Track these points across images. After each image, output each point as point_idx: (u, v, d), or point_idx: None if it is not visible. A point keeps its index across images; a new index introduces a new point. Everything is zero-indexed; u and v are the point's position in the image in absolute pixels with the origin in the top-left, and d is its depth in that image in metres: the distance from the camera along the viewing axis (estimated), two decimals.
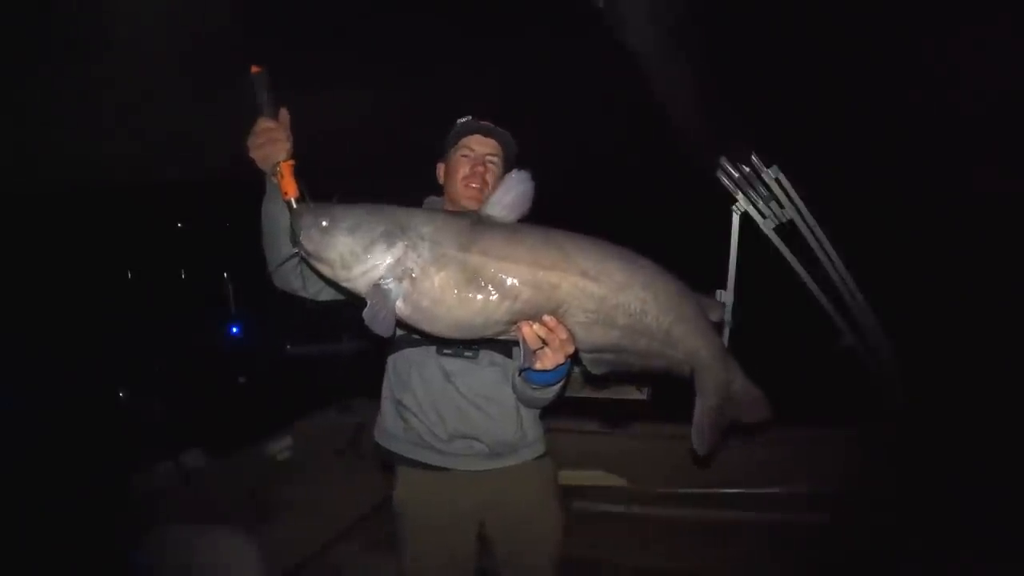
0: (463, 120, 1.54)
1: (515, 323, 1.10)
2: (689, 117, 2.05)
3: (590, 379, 1.26)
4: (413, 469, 1.56)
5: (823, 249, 2.63)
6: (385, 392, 1.60)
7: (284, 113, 1.24)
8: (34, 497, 2.71)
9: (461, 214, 1.14)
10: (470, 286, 1.04)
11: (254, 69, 1.21)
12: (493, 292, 1.04)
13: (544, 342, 1.11)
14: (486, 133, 1.51)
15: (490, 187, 1.47)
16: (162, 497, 2.37)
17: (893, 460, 2.55)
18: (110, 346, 6.28)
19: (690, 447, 1.23)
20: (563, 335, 1.09)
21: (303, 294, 1.40)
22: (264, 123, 1.21)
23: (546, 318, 1.08)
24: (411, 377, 1.51)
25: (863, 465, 2.58)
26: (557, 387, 1.37)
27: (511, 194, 1.10)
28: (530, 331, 1.09)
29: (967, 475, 2.36)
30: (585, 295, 1.06)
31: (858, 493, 2.52)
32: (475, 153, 1.50)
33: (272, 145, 1.21)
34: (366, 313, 1.04)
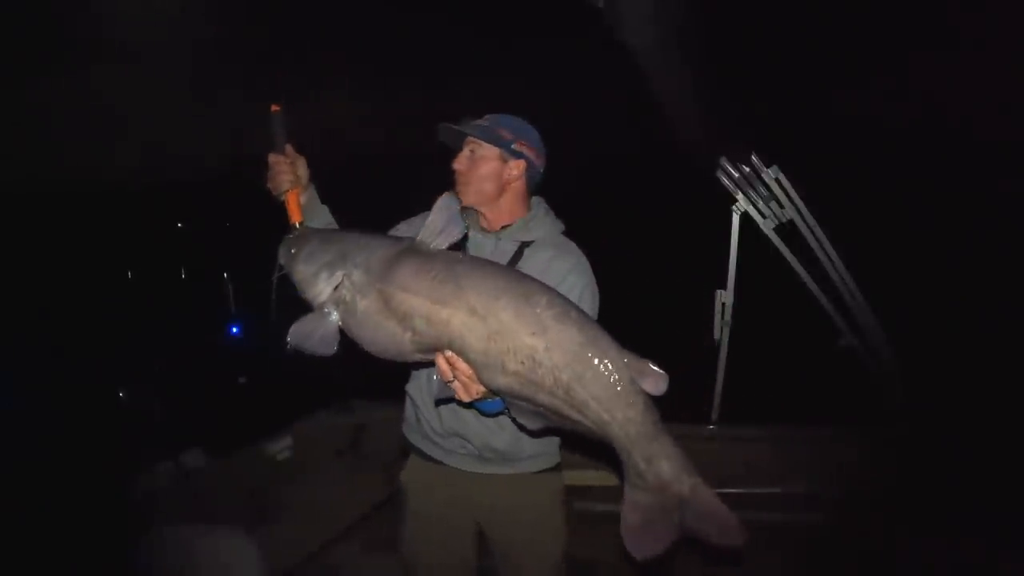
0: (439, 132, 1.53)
1: (426, 354, 1.09)
2: (689, 117, 2.05)
3: (523, 430, 1.21)
4: (419, 458, 1.61)
5: (823, 249, 2.63)
6: (407, 383, 1.64)
7: (289, 148, 1.39)
8: (34, 497, 2.72)
9: (398, 242, 1.14)
10: (383, 316, 1.07)
11: (274, 108, 1.37)
12: (399, 323, 1.06)
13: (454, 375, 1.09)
14: (453, 136, 1.51)
15: (470, 171, 1.48)
16: (162, 497, 2.37)
17: (893, 460, 2.55)
18: (110, 346, 6.28)
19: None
20: (466, 372, 1.05)
21: None
22: (272, 158, 1.38)
23: (447, 352, 1.05)
24: (420, 369, 1.54)
25: (863, 465, 2.58)
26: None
27: (439, 220, 1.11)
28: (442, 363, 1.07)
29: (967, 475, 2.36)
30: (472, 334, 1.00)
31: (858, 493, 2.52)
32: (456, 158, 1.51)
33: (279, 177, 1.37)
34: (293, 334, 1.10)
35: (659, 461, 0.97)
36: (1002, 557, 2.09)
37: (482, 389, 1.07)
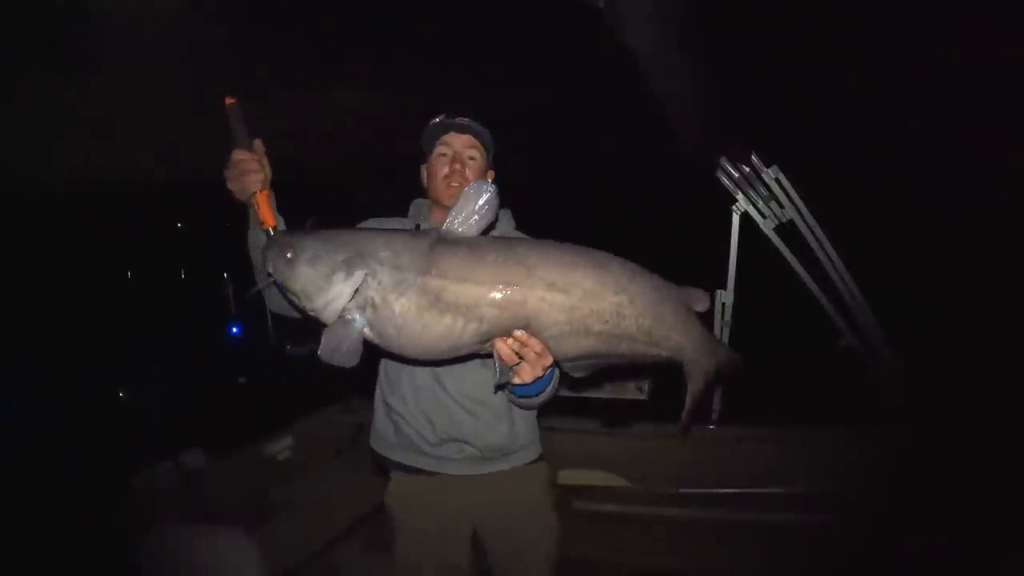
0: (436, 120, 1.50)
1: (485, 342, 1.06)
2: (689, 117, 2.06)
3: (576, 381, 1.24)
4: (404, 473, 1.56)
5: (823, 249, 2.63)
6: (377, 395, 1.58)
7: (258, 144, 1.25)
8: (34, 497, 2.72)
9: (421, 234, 1.10)
10: (432, 311, 1.00)
11: (228, 100, 1.22)
12: (456, 316, 1.01)
13: (520, 356, 1.08)
14: (460, 130, 1.48)
15: (472, 172, 1.47)
16: (162, 497, 2.37)
17: (893, 460, 2.55)
18: (110, 346, 6.28)
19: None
20: (538, 348, 1.06)
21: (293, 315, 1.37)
22: (238, 155, 1.22)
23: (517, 333, 1.04)
24: (401, 380, 1.50)
25: (863, 465, 2.58)
26: (545, 395, 1.33)
27: (470, 206, 1.06)
28: (504, 347, 1.06)
29: (967, 475, 2.36)
30: (554, 308, 1.02)
31: (858, 493, 2.52)
32: (452, 150, 1.47)
33: (246, 176, 1.22)
34: (324, 347, 1.01)
35: (721, 354, 1.20)
36: (1002, 557, 2.09)
37: (549, 362, 1.10)
